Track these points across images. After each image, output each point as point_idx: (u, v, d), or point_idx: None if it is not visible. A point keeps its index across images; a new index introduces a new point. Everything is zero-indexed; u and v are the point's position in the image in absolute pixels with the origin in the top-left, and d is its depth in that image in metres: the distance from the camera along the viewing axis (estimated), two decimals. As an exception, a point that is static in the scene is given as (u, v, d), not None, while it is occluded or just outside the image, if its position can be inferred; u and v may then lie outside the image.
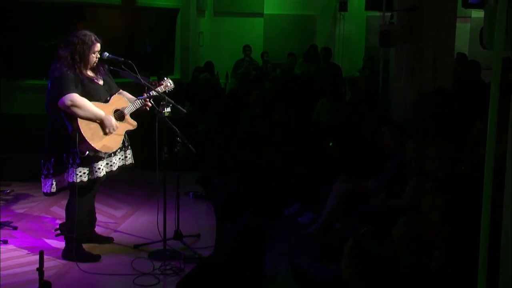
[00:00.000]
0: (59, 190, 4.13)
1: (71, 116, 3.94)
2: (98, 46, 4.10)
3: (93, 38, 4.07)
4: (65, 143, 4.01)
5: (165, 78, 4.47)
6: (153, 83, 4.40)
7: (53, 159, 4.04)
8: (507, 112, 2.78)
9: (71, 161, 4.01)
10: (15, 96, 8.07)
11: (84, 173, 4.07)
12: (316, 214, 5.33)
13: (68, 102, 3.88)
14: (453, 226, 3.57)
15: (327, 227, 5.02)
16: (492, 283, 2.74)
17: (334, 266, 4.04)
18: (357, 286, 2.63)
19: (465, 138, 5.11)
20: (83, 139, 3.93)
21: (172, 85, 4.48)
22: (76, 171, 4.01)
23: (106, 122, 4.05)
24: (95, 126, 4.02)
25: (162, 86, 4.41)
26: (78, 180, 4.04)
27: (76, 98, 3.91)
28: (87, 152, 3.99)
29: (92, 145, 3.96)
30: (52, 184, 4.09)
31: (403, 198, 4.42)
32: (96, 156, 4.09)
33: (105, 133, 4.07)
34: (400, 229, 2.96)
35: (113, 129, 4.09)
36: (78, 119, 3.93)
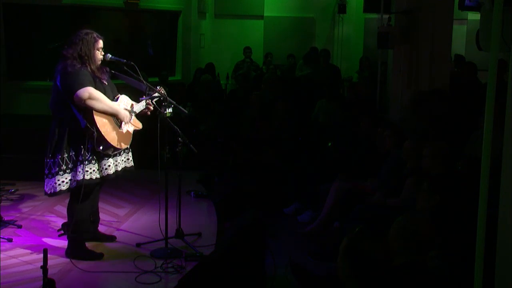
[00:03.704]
0: (67, 189, 4.08)
1: (85, 111, 3.97)
2: (101, 43, 4.14)
3: (94, 35, 4.13)
4: (74, 140, 4.03)
5: (158, 87, 4.48)
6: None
7: (58, 157, 4.02)
8: (502, 112, 2.85)
9: (80, 158, 4.03)
10: (20, 97, 8.15)
11: (94, 170, 4.10)
12: (315, 213, 5.38)
13: (86, 95, 3.92)
14: (449, 225, 3.62)
15: (326, 225, 5.08)
16: (488, 282, 2.79)
17: (333, 263, 4.09)
18: (352, 285, 2.67)
19: (461, 138, 5.18)
20: (99, 134, 3.97)
21: (164, 92, 4.48)
22: (86, 168, 4.05)
23: (121, 114, 4.15)
24: (109, 122, 4.08)
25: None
26: (88, 177, 4.07)
27: (93, 91, 3.96)
28: (101, 147, 4.03)
29: (108, 139, 4.01)
30: (57, 183, 4.05)
31: (400, 197, 4.48)
32: (105, 153, 4.14)
33: (119, 127, 4.15)
34: (396, 227, 2.97)
35: (129, 120, 4.21)
36: (94, 113, 3.97)
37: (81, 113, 3.98)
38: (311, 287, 3.72)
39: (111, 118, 4.11)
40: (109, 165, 4.18)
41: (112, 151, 4.18)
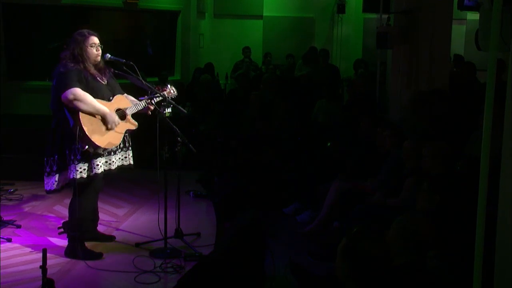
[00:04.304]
0: (62, 187, 4.17)
1: (73, 111, 4.00)
2: (93, 39, 4.14)
3: (85, 32, 4.15)
4: (68, 139, 4.05)
5: (169, 86, 4.50)
6: (157, 88, 4.45)
7: (56, 156, 4.08)
8: (501, 111, 2.85)
9: (72, 158, 4.06)
10: (20, 97, 8.15)
11: (84, 169, 4.12)
12: (314, 213, 5.37)
13: (71, 96, 3.94)
14: (448, 225, 3.62)
15: (325, 225, 5.08)
16: (487, 282, 2.79)
17: (333, 263, 4.08)
18: (351, 285, 2.66)
19: (461, 138, 5.18)
20: (83, 133, 3.98)
21: (176, 93, 4.51)
22: (76, 167, 4.07)
23: (108, 117, 4.11)
24: (96, 122, 4.07)
25: (165, 92, 4.45)
26: (78, 176, 4.08)
27: (78, 92, 3.97)
28: (87, 147, 4.03)
29: (92, 139, 4.00)
30: (55, 181, 4.13)
31: (400, 197, 4.47)
32: (96, 152, 4.14)
33: (107, 129, 4.13)
34: (396, 227, 2.96)
35: (115, 125, 4.15)
36: (80, 113, 3.98)
37: (70, 113, 4.01)
38: (311, 287, 3.71)
39: (98, 117, 4.09)
40: (98, 164, 4.17)
41: (102, 150, 4.17)
